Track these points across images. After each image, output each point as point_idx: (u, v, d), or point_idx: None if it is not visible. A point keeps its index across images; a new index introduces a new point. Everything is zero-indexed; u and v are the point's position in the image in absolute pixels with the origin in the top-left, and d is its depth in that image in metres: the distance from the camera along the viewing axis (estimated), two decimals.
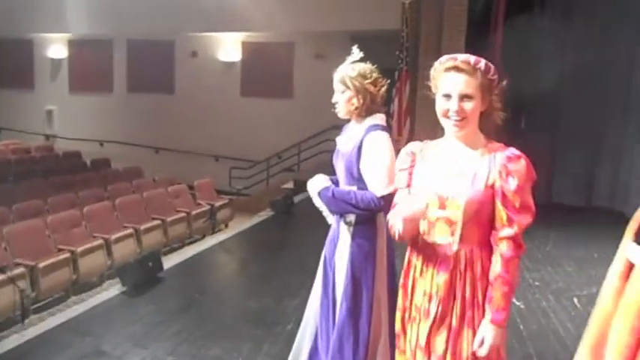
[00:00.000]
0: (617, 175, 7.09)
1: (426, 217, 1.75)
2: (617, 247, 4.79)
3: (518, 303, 4.04)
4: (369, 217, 2.26)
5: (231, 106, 12.39)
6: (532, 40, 7.55)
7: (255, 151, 11.97)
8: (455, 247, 1.74)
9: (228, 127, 12.37)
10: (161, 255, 7.21)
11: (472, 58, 1.73)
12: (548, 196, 7.68)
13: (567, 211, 7.35)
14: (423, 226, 1.79)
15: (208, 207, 8.86)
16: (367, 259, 2.27)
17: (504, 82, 1.77)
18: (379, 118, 2.31)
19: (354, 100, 2.30)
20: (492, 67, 1.74)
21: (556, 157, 7.59)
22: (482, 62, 1.73)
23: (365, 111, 2.30)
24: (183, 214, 8.10)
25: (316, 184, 2.43)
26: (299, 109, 11.94)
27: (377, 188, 2.17)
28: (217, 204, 9.12)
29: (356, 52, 2.43)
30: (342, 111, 2.37)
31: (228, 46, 12.36)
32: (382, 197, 2.14)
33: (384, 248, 2.28)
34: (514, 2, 7.15)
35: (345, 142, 2.41)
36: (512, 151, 1.75)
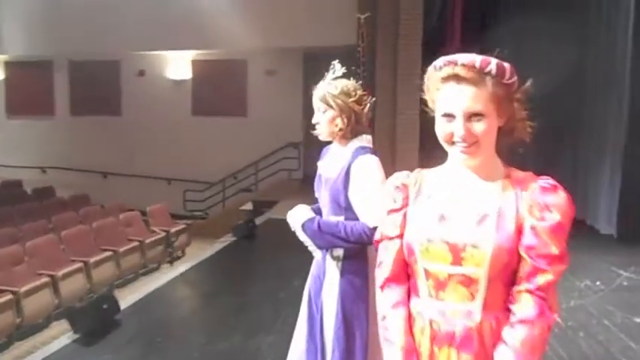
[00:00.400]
0: (576, 182, 7.18)
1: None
2: (583, 256, 4.74)
3: None
4: (359, 249, 2.02)
5: (183, 126, 11.94)
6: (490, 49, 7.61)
7: (210, 172, 11.55)
8: (478, 317, 1.29)
9: (180, 148, 11.91)
10: (115, 290, 6.79)
11: (478, 60, 1.29)
12: None
13: None
14: (425, 287, 1.33)
15: (163, 234, 8.40)
16: (359, 298, 2.01)
17: (529, 83, 1.40)
18: (366, 140, 2.09)
19: (338, 121, 2.07)
20: (508, 66, 1.32)
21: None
22: (493, 63, 1.30)
23: (350, 132, 2.08)
24: (136, 243, 7.61)
25: (298, 216, 2.16)
26: (253, 127, 11.65)
27: (369, 218, 1.92)
28: (173, 230, 8.66)
29: (337, 68, 2.17)
30: (324, 132, 2.13)
31: (178, 64, 11.95)
32: (375, 228, 1.85)
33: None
34: (470, 9, 7.18)
35: (328, 168, 2.18)
36: (547, 180, 1.36)
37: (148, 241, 7.86)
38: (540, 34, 7.27)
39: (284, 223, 7.62)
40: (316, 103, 2.11)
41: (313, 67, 12.39)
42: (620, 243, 6.11)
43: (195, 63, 11.90)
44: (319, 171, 2.27)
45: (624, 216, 6.24)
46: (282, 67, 11.60)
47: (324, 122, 2.09)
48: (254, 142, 11.52)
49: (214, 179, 11.57)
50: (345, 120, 2.05)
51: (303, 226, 2.09)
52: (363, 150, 2.02)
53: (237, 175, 11.64)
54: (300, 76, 11.71)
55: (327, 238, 2.03)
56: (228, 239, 6.54)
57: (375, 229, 1.73)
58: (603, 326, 3.86)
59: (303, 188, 10.95)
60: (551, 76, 7.31)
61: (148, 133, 12.02)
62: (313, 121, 2.14)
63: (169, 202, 10.01)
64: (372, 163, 1.98)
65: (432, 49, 7.96)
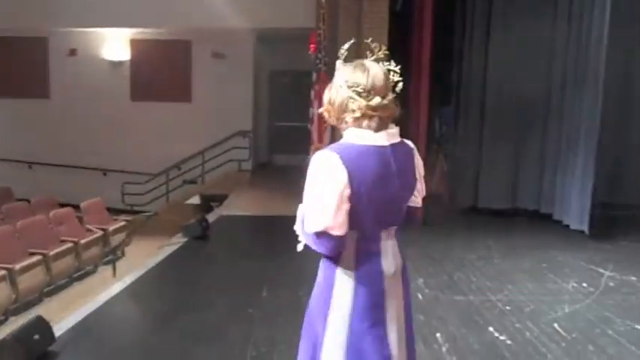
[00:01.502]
0: (543, 176, 7.01)
1: None
2: (559, 255, 4.39)
3: (502, 338, 3.50)
4: (327, 268, 1.78)
5: (120, 111, 10.90)
6: (461, 38, 7.28)
7: (151, 162, 10.63)
8: None
9: (118, 136, 10.88)
10: (45, 299, 5.91)
11: None
12: (475, 200, 7.44)
13: (496, 216, 7.15)
14: None
15: (100, 232, 7.53)
16: (321, 310, 1.77)
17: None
18: (352, 136, 1.76)
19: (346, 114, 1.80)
20: None
21: (482, 161, 7.36)
22: None
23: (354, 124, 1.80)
24: (70, 245, 6.73)
25: None
26: (199, 113, 10.83)
27: (307, 222, 1.70)
28: (111, 228, 7.80)
29: (376, 47, 1.86)
30: (326, 139, 1.94)
31: (115, 44, 10.86)
32: (314, 234, 1.68)
33: (346, 299, 1.73)
34: None
35: None
36: None
37: (83, 241, 6.99)
38: (512, 24, 7.02)
39: (239, 221, 6.94)
40: (326, 94, 1.82)
41: (265, 51, 11.71)
42: (592, 240, 5.95)
43: (134, 42, 10.86)
44: None
45: (596, 212, 6.09)
46: (231, 49, 10.82)
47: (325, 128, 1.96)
48: (200, 130, 10.72)
49: (156, 170, 10.66)
50: (338, 122, 1.81)
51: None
52: (332, 148, 1.73)
53: (182, 165, 10.78)
54: (251, 60, 10.98)
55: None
56: (178, 240, 5.80)
57: (315, 235, 1.66)
58: (609, 337, 3.55)
59: (254, 180, 10.29)
60: (521, 68, 7.11)
61: (80, 118, 10.88)
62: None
63: (106, 196, 9.08)
64: (316, 161, 1.68)
65: (400, 33, 7.55)
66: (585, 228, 6.07)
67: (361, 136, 1.70)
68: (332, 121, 1.78)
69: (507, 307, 4.05)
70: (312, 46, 10.28)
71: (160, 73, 10.77)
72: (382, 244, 1.74)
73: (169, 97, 10.86)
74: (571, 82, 6.51)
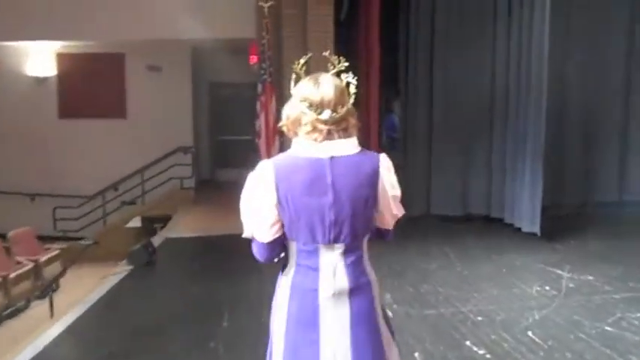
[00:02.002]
0: (492, 182, 7.10)
1: None
2: (516, 258, 4.41)
3: (482, 352, 3.38)
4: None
5: (48, 130, 10.12)
6: (405, 47, 7.27)
7: (84, 184, 9.91)
8: None
9: (46, 157, 10.10)
10: None
11: None
12: (427, 207, 7.44)
13: (449, 222, 7.17)
14: None
15: (31, 264, 6.87)
16: (271, 318, 1.81)
17: None
18: (301, 146, 1.76)
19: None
20: None
21: (432, 168, 7.38)
22: None
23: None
24: None
25: None
26: (136, 130, 10.24)
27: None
28: (43, 258, 7.16)
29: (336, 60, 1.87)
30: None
31: (39, 58, 10.09)
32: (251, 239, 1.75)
33: (282, 311, 1.74)
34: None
35: None
36: None
37: (12, 275, 6.33)
38: (455, 32, 7.10)
39: (187, 244, 6.50)
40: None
41: (203, 63, 11.30)
42: (544, 241, 6.04)
43: (61, 57, 10.14)
44: None
45: (547, 214, 6.20)
46: (167, 61, 10.34)
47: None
48: (137, 147, 10.12)
49: (90, 192, 9.95)
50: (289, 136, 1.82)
51: None
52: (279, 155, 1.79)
53: (119, 186, 10.14)
54: (189, 72, 10.56)
55: None
56: (122, 269, 5.33)
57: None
58: (583, 341, 3.53)
59: (199, 198, 9.84)
60: (467, 75, 7.19)
61: (2, 139, 9.99)
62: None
63: (35, 223, 8.35)
64: (252, 173, 1.72)
65: (344, 41, 7.44)
66: (537, 230, 6.16)
67: (298, 148, 1.71)
68: (291, 135, 1.77)
69: (479, 318, 3.95)
70: (252, 57, 10.05)
71: (91, 88, 10.10)
72: (322, 260, 1.68)
73: (102, 113, 10.21)
74: (514, 89, 6.65)
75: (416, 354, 3.37)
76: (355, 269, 1.72)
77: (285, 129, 1.77)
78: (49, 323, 4.12)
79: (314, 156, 1.68)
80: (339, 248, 1.70)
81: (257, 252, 1.74)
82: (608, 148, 7.67)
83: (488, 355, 3.34)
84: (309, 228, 1.67)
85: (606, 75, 7.51)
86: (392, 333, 1.86)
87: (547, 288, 4.60)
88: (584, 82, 7.47)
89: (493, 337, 3.62)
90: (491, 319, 3.93)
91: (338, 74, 1.82)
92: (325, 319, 1.68)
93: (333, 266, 1.69)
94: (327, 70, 1.82)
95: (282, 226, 1.69)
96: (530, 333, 3.67)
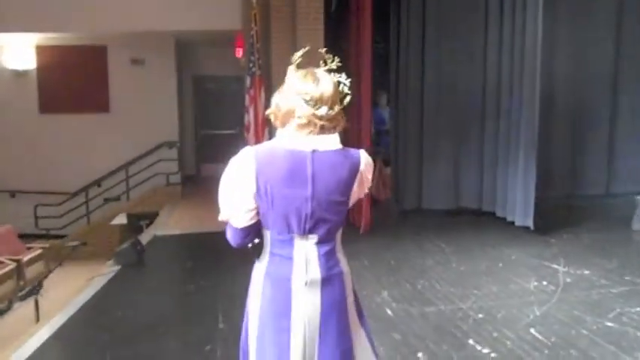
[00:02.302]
0: (483, 175, 7.05)
1: None
2: (511, 253, 4.35)
3: (486, 350, 3.31)
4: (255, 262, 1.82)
5: (28, 125, 9.84)
6: (396, 39, 7.15)
7: (67, 180, 9.68)
8: None
9: (26, 153, 9.82)
10: None
11: None
12: (419, 201, 7.37)
13: (441, 216, 7.12)
14: None
15: (13, 264, 6.62)
16: (249, 301, 1.84)
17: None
18: (283, 137, 1.80)
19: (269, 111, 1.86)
20: None
21: (423, 161, 7.31)
22: None
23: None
24: None
25: None
26: (119, 125, 10.02)
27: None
28: (26, 258, 6.91)
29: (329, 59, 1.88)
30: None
31: (18, 51, 9.76)
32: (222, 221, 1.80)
33: (256, 299, 1.78)
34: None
35: None
36: None
37: None
38: (447, 23, 7.01)
39: (176, 241, 6.30)
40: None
41: (187, 56, 11.06)
42: (537, 235, 6.02)
43: (41, 49, 9.84)
44: None
45: (539, 207, 6.17)
46: (151, 54, 10.10)
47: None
48: (121, 142, 9.91)
49: (73, 189, 9.70)
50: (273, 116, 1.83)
51: None
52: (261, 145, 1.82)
53: (103, 182, 9.90)
54: (173, 65, 10.32)
55: None
56: (109, 270, 5.15)
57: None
58: (586, 338, 3.48)
59: (186, 194, 9.65)
60: (458, 67, 7.12)
61: None
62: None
63: (16, 221, 8.10)
64: (232, 160, 1.75)
65: (334, 33, 7.31)
66: (530, 223, 6.13)
67: (282, 139, 1.75)
68: (277, 124, 1.79)
69: (480, 315, 3.89)
70: (238, 49, 9.85)
71: (73, 82, 9.82)
72: (296, 250, 1.73)
73: (84, 107, 9.95)
74: (506, 82, 6.59)
75: (419, 354, 3.29)
76: (328, 260, 1.76)
77: (272, 117, 1.80)
78: (35, 328, 3.94)
79: (297, 148, 1.71)
80: (313, 239, 1.74)
81: (231, 236, 1.77)
82: (595, 140, 7.68)
83: (493, 354, 3.27)
84: (284, 218, 1.70)
85: (594, 68, 7.51)
86: (361, 316, 1.91)
87: (545, 283, 4.56)
88: (571, 75, 7.46)
89: (495, 334, 3.55)
90: (492, 316, 3.87)
91: (328, 72, 1.83)
92: (297, 308, 1.72)
93: (306, 256, 1.74)
94: (317, 66, 1.84)
95: (258, 213, 1.73)
96: (532, 330, 3.62)
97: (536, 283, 4.56)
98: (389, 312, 3.99)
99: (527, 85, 6.16)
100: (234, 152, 1.89)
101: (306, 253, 1.73)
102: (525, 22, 6.11)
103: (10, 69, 9.77)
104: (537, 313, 3.91)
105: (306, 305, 1.72)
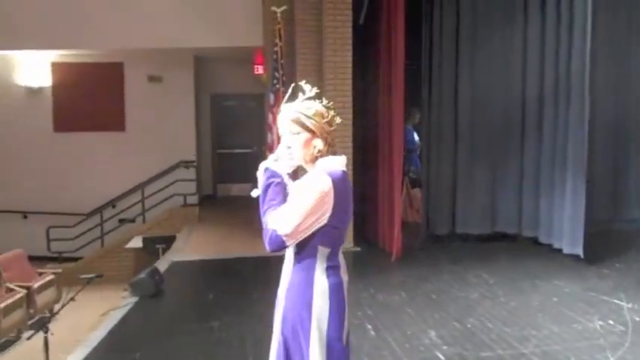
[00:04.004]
0: (523, 197, 6.58)
1: None
2: (563, 285, 3.70)
3: None
4: (307, 254, 1.90)
5: (42, 144, 9.57)
6: (429, 54, 6.75)
7: (81, 201, 9.36)
8: None
9: (40, 173, 9.53)
10: None
11: None
12: (452, 226, 6.91)
13: (476, 242, 6.66)
14: None
15: (24, 292, 6.24)
16: (300, 322, 1.88)
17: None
18: (338, 162, 1.95)
19: (317, 142, 1.95)
20: None
21: (457, 183, 6.85)
22: None
23: (325, 154, 1.97)
24: None
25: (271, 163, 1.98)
26: (136, 143, 9.72)
27: (275, 220, 1.84)
28: (36, 284, 6.53)
29: (307, 88, 2.02)
30: (297, 156, 1.96)
31: (33, 68, 9.53)
32: (274, 231, 1.83)
33: (324, 309, 1.89)
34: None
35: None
36: None
37: (2, 305, 5.71)
38: (482, 35, 6.62)
39: (196, 268, 5.79)
40: (287, 125, 1.97)
41: (205, 73, 10.78)
42: (587, 264, 5.52)
43: (57, 66, 9.60)
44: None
45: (591, 234, 5.68)
46: (168, 72, 9.82)
47: (299, 145, 1.95)
48: (137, 162, 9.59)
49: (87, 210, 9.37)
50: (322, 141, 1.96)
51: (266, 169, 1.97)
52: (329, 172, 1.89)
53: (117, 203, 9.55)
54: (192, 82, 10.03)
55: (264, 194, 1.93)
56: (126, 302, 4.74)
57: (285, 235, 1.82)
58: None
59: (204, 216, 9.26)
60: (495, 83, 6.70)
61: None
62: (285, 144, 1.97)
63: (27, 243, 7.75)
64: (320, 181, 1.86)
65: (362, 47, 6.94)
66: (580, 252, 5.63)
67: (337, 162, 1.93)
68: (318, 155, 1.95)
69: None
70: (257, 66, 9.55)
71: (88, 99, 9.56)
72: (340, 259, 1.98)
73: (100, 126, 9.67)
74: (550, 95, 6.15)
75: None
76: None
77: (321, 146, 1.94)
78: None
79: (344, 169, 1.93)
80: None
81: (274, 243, 1.83)
82: (637, 161, 7.16)
83: None
84: (342, 234, 1.95)
85: (638, 80, 7.03)
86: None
87: (611, 322, 4.06)
88: (612, 87, 6.95)
89: None
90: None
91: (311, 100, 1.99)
92: (347, 306, 1.97)
93: (344, 262, 2.00)
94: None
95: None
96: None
97: (601, 323, 4.06)
98: (441, 357, 3.51)
99: (574, 98, 5.70)
100: (252, 172, 2.09)
101: (343, 260, 1.99)
102: (572, 30, 5.66)
103: (25, 86, 9.54)
104: (611, 359, 3.42)
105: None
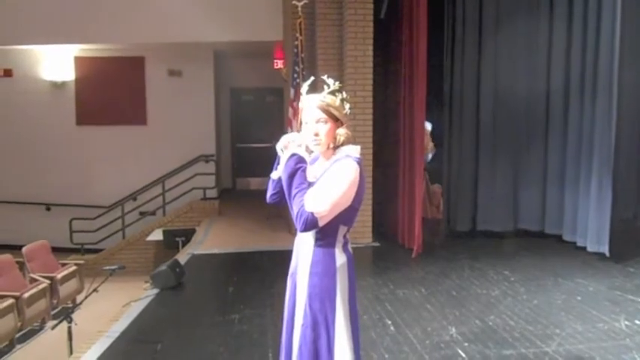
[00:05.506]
0: (544, 194, 6.47)
1: None
2: (588, 284, 3.52)
3: None
4: (330, 232, 2.07)
5: (65, 138, 9.70)
6: (451, 47, 6.67)
7: (103, 194, 9.48)
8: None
9: (62, 166, 9.67)
10: None
11: None
12: (473, 223, 6.83)
13: (498, 239, 6.59)
14: None
15: (47, 282, 6.35)
16: (327, 298, 2.07)
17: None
18: (354, 150, 2.12)
19: (341, 131, 2.11)
20: None
21: (478, 179, 6.76)
22: None
23: (345, 142, 2.13)
24: (10, 301, 5.54)
25: (294, 147, 2.08)
26: (156, 137, 9.79)
27: (312, 202, 1.95)
28: (60, 275, 6.64)
29: (331, 82, 2.14)
30: (324, 144, 2.09)
31: (57, 62, 9.67)
32: (311, 213, 1.95)
33: (345, 283, 2.11)
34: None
35: (316, 174, 2.14)
36: None
37: (26, 295, 5.81)
38: (505, 27, 6.51)
39: (216, 261, 5.80)
40: (314, 113, 2.09)
41: (225, 68, 10.82)
42: (612, 262, 5.41)
43: (79, 61, 9.71)
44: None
45: (616, 232, 5.56)
46: (188, 66, 9.87)
47: (326, 133, 2.08)
48: (158, 155, 9.68)
49: (108, 202, 9.49)
50: (346, 131, 2.12)
51: (293, 154, 2.06)
52: (352, 157, 2.07)
53: (138, 196, 9.65)
54: (212, 77, 10.06)
55: (292, 178, 2.02)
56: (146, 294, 4.78)
57: (311, 213, 1.95)
58: None
59: (223, 209, 9.31)
60: (518, 76, 6.59)
61: (17, 147, 9.61)
62: (313, 131, 2.08)
63: (50, 235, 7.88)
64: (351, 166, 2.04)
65: (384, 40, 6.88)
66: (605, 250, 5.52)
67: (356, 150, 2.11)
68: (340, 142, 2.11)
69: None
70: (276, 61, 9.53)
71: (110, 93, 9.66)
72: (348, 236, 2.17)
73: (121, 120, 9.77)
74: (575, 88, 6.01)
75: None
76: None
77: (343, 139, 2.11)
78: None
79: (360, 156, 2.10)
80: None
81: (306, 223, 1.95)
82: None
83: None
84: (357, 215, 2.13)
85: None
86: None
87: (638, 322, 3.97)
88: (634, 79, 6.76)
89: None
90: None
91: (332, 94, 2.12)
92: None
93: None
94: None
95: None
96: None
97: (627, 322, 3.97)
98: (462, 354, 3.47)
99: (601, 92, 5.55)
100: (271, 167, 2.18)
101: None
102: (600, 22, 5.51)
103: (49, 80, 9.67)
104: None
105: None
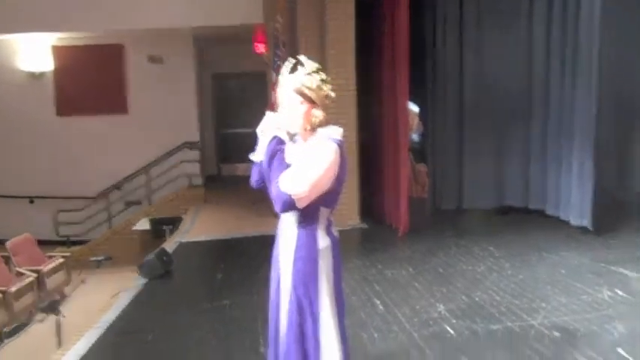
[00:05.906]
0: (528, 171, 6.54)
1: None
2: (570, 257, 3.57)
3: None
4: (311, 214, 2.07)
5: (46, 129, 9.54)
6: (432, 28, 6.66)
7: (86, 184, 9.38)
8: None
9: (44, 158, 9.54)
10: None
11: None
12: (459, 201, 6.90)
13: (484, 216, 6.66)
14: None
15: (34, 275, 6.29)
16: (310, 280, 2.08)
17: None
18: (336, 131, 2.09)
19: (317, 112, 2.08)
20: None
21: (464, 158, 6.82)
22: None
23: (325, 123, 2.11)
24: None
25: (273, 129, 2.10)
26: (139, 125, 9.68)
27: (289, 183, 1.95)
28: (46, 268, 6.58)
29: (308, 62, 2.11)
30: (297, 125, 2.09)
31: (34, 52, 9.46)
32: (288, 194, 1.95)
33: (328, 264, 2.12)
34: None
35: (296, 156, 2.08)
36: None
37: (13, 289, 5.76)
38: (486, 9, 6.51)
39: (203, 249, 5.80)
40: (289, 95, 2.08)
41: (206, 53, 10.68)
42: (594, 235, 5.51)
43: (58, 50, 9.52)
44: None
45: (598, 205, 5.64)
46: (169, 52, 9.73)
47: (301, 114, 2.08)
48: (140, 144, 9.58)
49: (92, 193, 9.39)
50: (322, 112, 2.09)
51: (274, 137, 2.07)
52: (332, 139, 2.05)
53: (123, 186, 9.57)
54: (193, 63, 9.94)
55: (272, 160, 2.03)
56: (135, 284, 4.77)
57: (286, 194, 1.95)
58: None
59: (209, 196, 9.27)
60: (500, 56, 6.61)
61: None
62: (285, 113, 2.09)
63: (35, 227, 7.80)
64: (331, 147, 2.02)
65: (366, 24, 6.84)
66: (587, 223, 5.62)
67: (336, 131, 2.07)
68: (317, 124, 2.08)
69: (556, 334, 3.41)
70: (257, 44, 9.42)
71: (90, 82, 9.49)
72: (332, 218, 2.17)
73: (102, 109, 9.62)
74: (556, 65, 6.05)
75: None
76: None
77: (317, 121, 2.07)
78: (57, 355, 3.56)
79: (341, 138, 2.07)
80: None
81: (284, 204, 1.96)
82: None
83: None
84: (339, 197, 2.12)
85: None
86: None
87: (619, 292, 4.06)
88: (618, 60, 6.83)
89: (579, 357, 3.08)
90: (569, 334, 3.39)
91: (311, 74, 2.07)
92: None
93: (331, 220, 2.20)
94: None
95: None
96: (620, 350, 3.14)
97: (610, 293, 4.06)
98: (450, 330, 3.53)
99: (581, 69, 5.60)
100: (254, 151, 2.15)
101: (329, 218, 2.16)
102: (580, 1, 5.54)
103: (26, 71, 9.47)
104: (622, 330, 3.43)
105: None
